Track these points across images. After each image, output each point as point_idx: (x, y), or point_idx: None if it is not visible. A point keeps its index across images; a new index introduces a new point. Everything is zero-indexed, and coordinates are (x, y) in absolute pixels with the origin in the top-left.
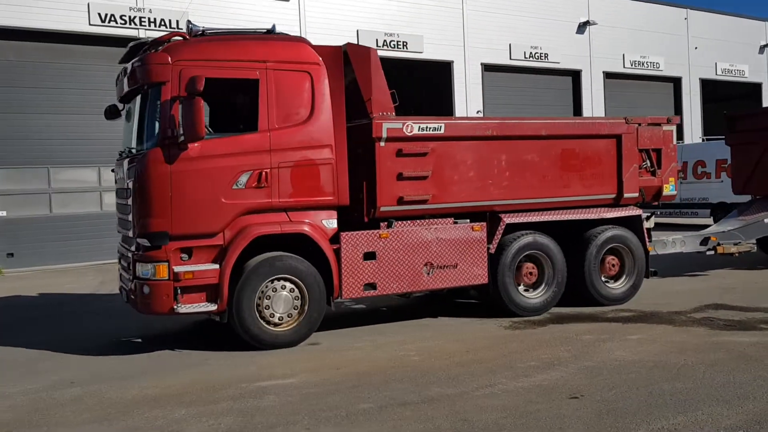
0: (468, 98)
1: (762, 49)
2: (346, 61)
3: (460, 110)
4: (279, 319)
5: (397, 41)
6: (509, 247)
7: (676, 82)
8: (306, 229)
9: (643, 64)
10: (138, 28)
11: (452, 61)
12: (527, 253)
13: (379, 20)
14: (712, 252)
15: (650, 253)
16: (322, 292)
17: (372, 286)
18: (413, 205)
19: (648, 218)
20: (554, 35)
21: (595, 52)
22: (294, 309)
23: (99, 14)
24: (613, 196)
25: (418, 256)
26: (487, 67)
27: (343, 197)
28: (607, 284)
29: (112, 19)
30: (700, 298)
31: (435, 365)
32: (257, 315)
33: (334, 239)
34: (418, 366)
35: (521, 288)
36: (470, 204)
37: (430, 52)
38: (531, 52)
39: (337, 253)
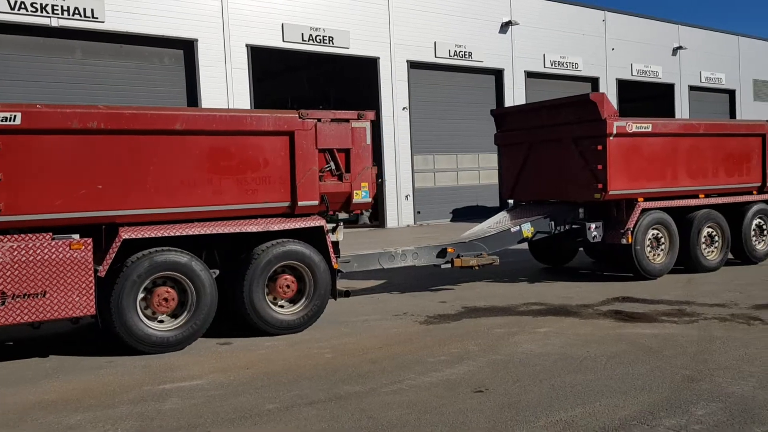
0: (394, 95)
1: (675, 51)
2: None
3: (386, 107)
4: None
5: (323, 36)
6: (131, 268)
7: (594, 81)
8: None
9: (562, 64)
10: (50, 17)
11: (378, 58)
12: (160, 274)
13: (306, 14)
14: (449, 266)
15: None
16: None
17: None
18: None
19: (334, 230)
20: (478, 34)
21: (517, 51)
22: None
23: (8, 2)
24: (287, 204)
25: None
26: (413, 65)
27: None
28: (276, 308)
29: (23, 6)
30: (608, 291)
31: (347, 362)
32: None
33: None
34: (330, 363)
35: (144, 317)
36: (66, 216)
37: (357, 47)
38: (455, 51)
39: None
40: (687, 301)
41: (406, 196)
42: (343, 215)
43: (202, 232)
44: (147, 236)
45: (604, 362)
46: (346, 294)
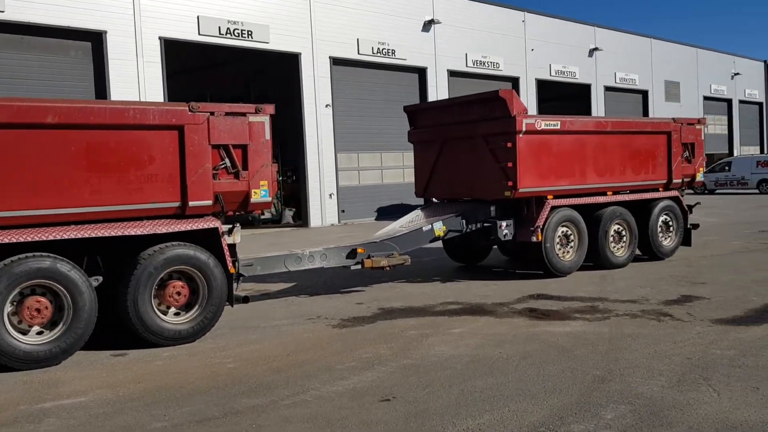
0: (317, 92)
1: (591, 52)
2: None
3: (309, 104)
4: None
5: (242, 30)
6: None
7: (515, 81)
8: None
9: (484, 63)
10: None
11: (300, 53)
12: (27, 283)
13: (223, 7)
14: (359, 267)
15: (284, 271)
16: None
17: None
18: None
19: (231, 231)
20: (401, 32)
21: (439, 50)
22: None
23: None
24: (176, 204)
25: None
26: (336, 61)
27: None
28: (166, 317)
29: None
30: (523, 289)
31: (250, 372)
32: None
33: None
34: (231, 374)
35: None
36: None
37: (277, 43)
38: (379, 48)
39: None
40: (600, 298)
41: (330, 195)
42: (266, 215)
43: (71, 236)
44: (4, 242)
45: (516, 363)
46: (245, 300)
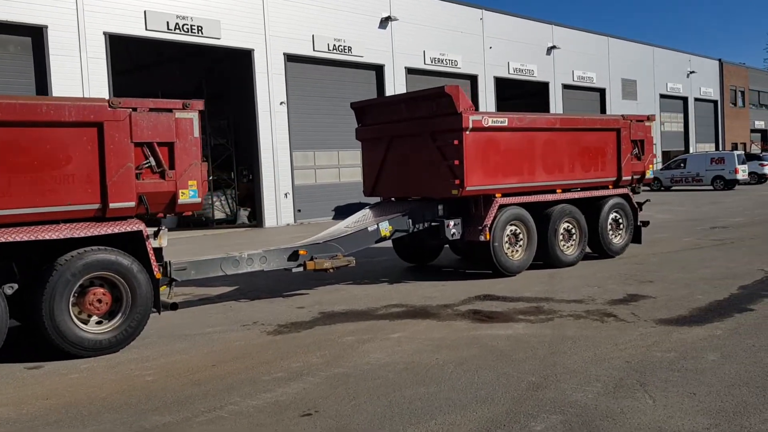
0: (271, 89)
1: (549, 50)
2: None
3: (262, 101)
4: None
5: (191, 25)
6: None
7: (473, 79)
8: None
9: (442, 61)
10: None
11: (253, 50)
12: None
13: (171, 2)
14: (301, 269)
15: (219, 274)
16: None
17: None
18: None
19: (156, 234)
20: (358, 29)
21: (397, 47)
22: None
23: None
24: (96, 207)
25: None
26: (290, 58)
27: None
28: (86, 327)
29: None
30: (471, 289)
31: (168, 386)
32: None
33: None
34: (147, 388)
35: None
36: None
37: (229, 38)
38: (335, 45)
39: None
40: (546, 298)
41: (286, 194)
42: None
43: None
44: None
45: (451, 370)
46: (173, 307)
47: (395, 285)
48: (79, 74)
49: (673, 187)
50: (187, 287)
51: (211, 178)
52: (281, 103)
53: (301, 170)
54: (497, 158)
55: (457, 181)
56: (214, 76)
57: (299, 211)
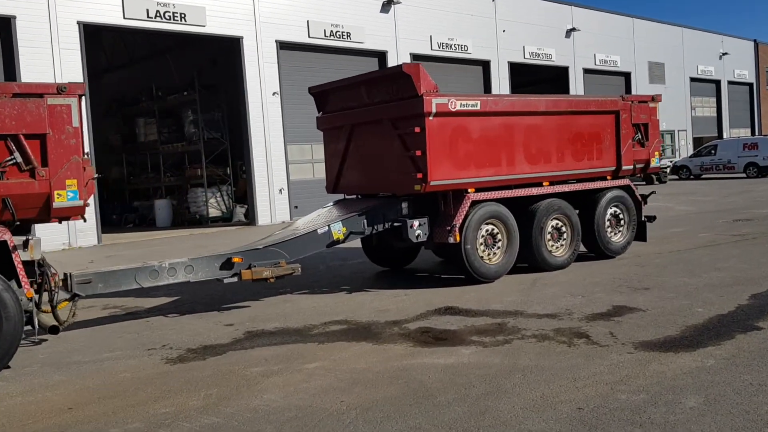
0: (262, 79)
1: (568, 33)
2: None
3: (253, 91)
4: None
5: (174, 12)
6: None
7: (486, 65)
8: None
9: (451, 46)
10: None
11: (242, 37)
12: None
13: None
14: (235, 279)
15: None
16: None
17: None
18: None
19: (26, 245)
20: (357, 13)
21: (401, 32)
22: None
23: None
24: None
25: None
26: (283, 45)
27: None
28: None
29: None
30: (436, 300)
31: None
32: None
33: None
34: None
35: None
36: None
37: (215, 26)
38: (332, 31)
39: None
40: (516, 311)
41: (280, 190)
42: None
43: None
44: None
45: (349, 421)
46: (53, 330)
47: (353, 294)
48: (51, 66)
49: (703, 176)
50: (119, 298)
51: (204, 174)
52: (274, 93)
53: (297, 164)
54: (469, 147)
55: (419, 175)
56: (206, 67)
57: (296, 207)
